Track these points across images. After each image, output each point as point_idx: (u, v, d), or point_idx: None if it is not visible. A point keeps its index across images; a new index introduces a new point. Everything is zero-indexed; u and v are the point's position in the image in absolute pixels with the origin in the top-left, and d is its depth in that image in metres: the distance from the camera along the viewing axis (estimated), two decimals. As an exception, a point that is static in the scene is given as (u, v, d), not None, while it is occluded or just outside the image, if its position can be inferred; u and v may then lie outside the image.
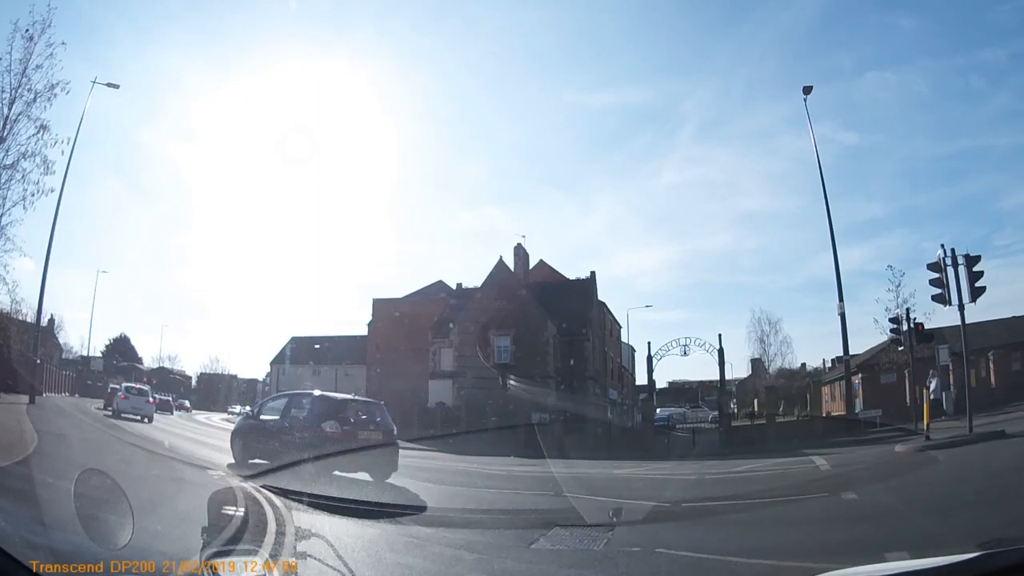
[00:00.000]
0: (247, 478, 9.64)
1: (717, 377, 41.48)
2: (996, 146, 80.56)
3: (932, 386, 27.64)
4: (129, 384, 34.74)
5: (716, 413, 36.56)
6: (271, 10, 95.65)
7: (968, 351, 18.47)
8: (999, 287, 71.57)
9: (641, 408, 42.53)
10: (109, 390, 36.99)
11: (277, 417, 13.44)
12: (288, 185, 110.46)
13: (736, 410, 49.25)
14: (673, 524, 9.10)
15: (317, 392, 14.21)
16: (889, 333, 24.99)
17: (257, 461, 12.84)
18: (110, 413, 28.39)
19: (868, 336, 79.52)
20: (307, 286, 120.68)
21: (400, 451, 13.46)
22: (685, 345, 42.31)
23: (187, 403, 55.78)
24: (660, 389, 65.05)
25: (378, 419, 13.60)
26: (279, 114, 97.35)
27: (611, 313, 52.73)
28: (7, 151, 21.27)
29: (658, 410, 41.34)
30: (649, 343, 72.89)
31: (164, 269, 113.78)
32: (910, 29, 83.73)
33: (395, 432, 13.74)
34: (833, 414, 36.87)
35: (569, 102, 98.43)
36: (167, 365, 78.63)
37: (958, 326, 18.20)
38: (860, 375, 36.88)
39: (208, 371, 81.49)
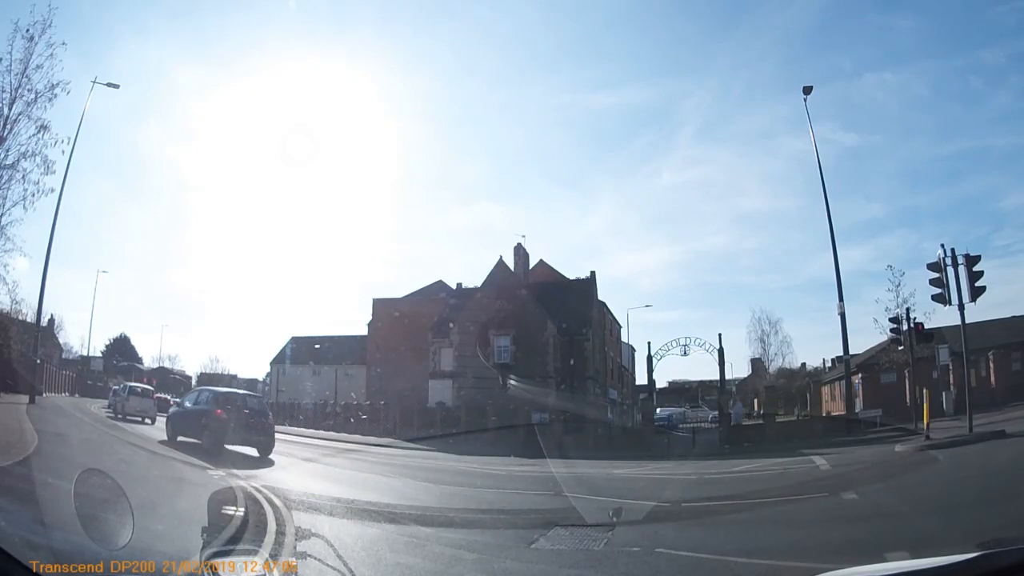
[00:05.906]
0: None
1: (717, 377, 41.57)
2: (995, 146, 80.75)
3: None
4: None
5: (716, 413, 36.64)
6: (271, 10, 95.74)
7: (968, 351, 18.48)
8: (999, 287, 71.99)
9: (641, 408, 42.52)
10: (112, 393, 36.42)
11: None
12: (288, 185, 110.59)
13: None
14: (673, 524, 9.09)
15: None
16: (889, 333, 25.00)
17: None
18: (113, 414, 27.56)
19: (868, 336, 79.45)
20: (307, 286, 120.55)
21: (400, 451, 13.36)
22: (685, 345, 42.38)
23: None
24: (660, 389, 65.03)
25: None
26: (279, 114, 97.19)
27: (611, 313, 52.70)
28: (7, 151, 21.13)
29: (658, 410, 41.29)
30: (649, 343, 72.78)
31: (164, 269, 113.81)
32: (909, 30, 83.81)
33: None
34: (833, 414, 36.89)
35: (569, 102, 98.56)
36: (167, 365, 78.66)
37: (958, 326, 18.22)
38: (860, 375, 36.89)
39: (208, 371, 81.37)
